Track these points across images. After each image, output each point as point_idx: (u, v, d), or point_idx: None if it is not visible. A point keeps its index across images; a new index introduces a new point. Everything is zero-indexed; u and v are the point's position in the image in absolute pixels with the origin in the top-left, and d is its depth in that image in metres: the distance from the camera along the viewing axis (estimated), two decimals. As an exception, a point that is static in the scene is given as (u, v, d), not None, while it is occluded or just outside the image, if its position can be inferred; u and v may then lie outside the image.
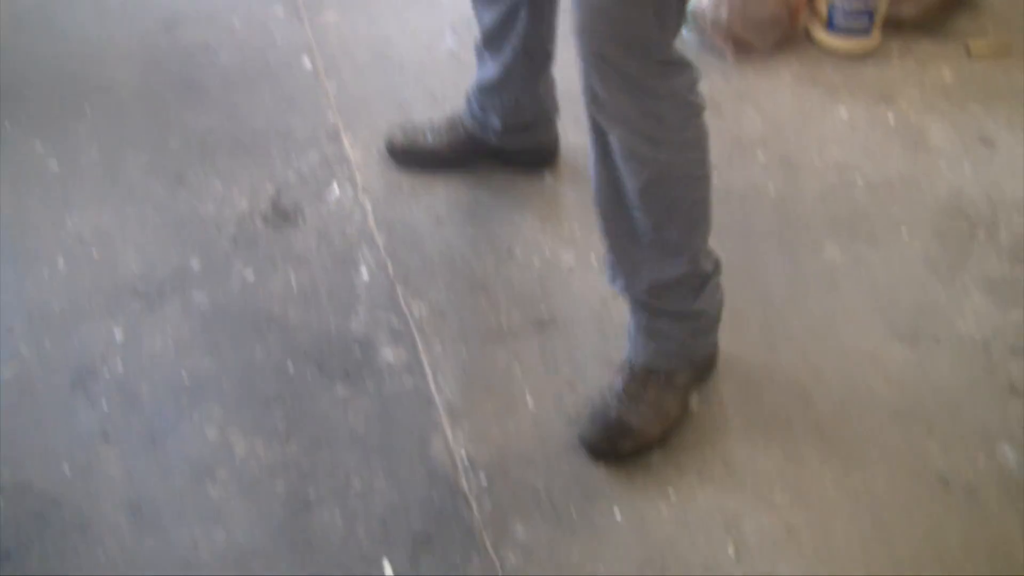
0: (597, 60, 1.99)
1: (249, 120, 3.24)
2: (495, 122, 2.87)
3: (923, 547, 2.15)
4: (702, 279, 2.30)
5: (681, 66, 2.07)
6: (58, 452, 2.32)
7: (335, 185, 2.98)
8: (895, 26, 3.49)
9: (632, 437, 2.30)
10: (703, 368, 2.43)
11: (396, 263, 2.75)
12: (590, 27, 1.96)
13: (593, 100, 2.06)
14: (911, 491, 2.25)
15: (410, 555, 2.13)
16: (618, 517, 2.21)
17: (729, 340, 2.42)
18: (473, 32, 2.76)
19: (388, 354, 2.52)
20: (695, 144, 2.17)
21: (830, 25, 3.44)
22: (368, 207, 2.91)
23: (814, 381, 2.47)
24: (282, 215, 2.88)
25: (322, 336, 2.57)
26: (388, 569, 2.11)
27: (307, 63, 3.45)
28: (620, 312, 2.50)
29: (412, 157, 3.03)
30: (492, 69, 2.77)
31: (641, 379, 2.34)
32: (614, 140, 2.09)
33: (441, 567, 2.12)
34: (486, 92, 2.83)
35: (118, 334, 2.56)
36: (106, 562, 2.13)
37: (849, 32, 3.43)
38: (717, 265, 2.34)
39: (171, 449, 2.33)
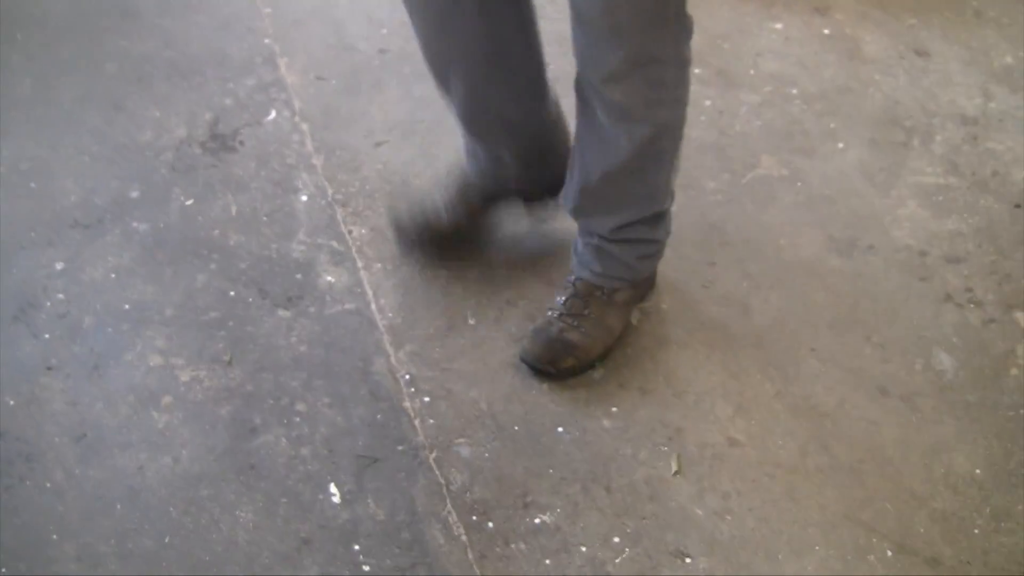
0: (613, 35, 1.96)
1: (185, 46, 3.21)
2: (509, 165, 2.47)
3: (863, 455, 2.19)
4: (661, 214, 2.34)
5: (688, 27, 2.06)
6: (1, 384, 2.32)
7: (272, 110, 2.97)
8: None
9: (574, 354, 2.32)
10: (645, 286, 2.46)
11: (335, 186, 2.74)
12: (612, 3, 1.92)
13: (593, 71, 2.05)
14: (850, 400, 2.29)
15: (356, 476, 2.15)
16: (561, 433, 2.23)
17: (668, 254, 2.43)
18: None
19: (329, 277, 2.53)
20: (685, 99, 2.18)
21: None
22: (306, 131, 2.90)
23: (753, 294, 2.50)
24: (220, 141, 2.87)
25: (263, 261, 2.56)
26: (334, 491, 2.13)
27: (242, -13, 3.43)
28: (561, 229, 2.52)
29: (434, 243, 2.57)
30: None
31: (583, 297, 2.36)
32: (607, 106, 2.09)
33: (387, 487, 2.13)
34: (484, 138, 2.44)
35: (59, 264, 2.55)
36: (52, 490, 2.13)
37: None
38: (672, 197, 2.36)
39: (115, 377, 2.33)
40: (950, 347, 2.39)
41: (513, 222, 2.62)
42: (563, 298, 2.38)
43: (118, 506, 2.10)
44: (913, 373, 2.34)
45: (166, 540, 2.05)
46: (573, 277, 2.40)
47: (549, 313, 2.37)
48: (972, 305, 2.47)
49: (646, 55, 1.99)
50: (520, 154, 2.44)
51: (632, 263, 2.36)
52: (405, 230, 2.56)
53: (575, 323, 2.33)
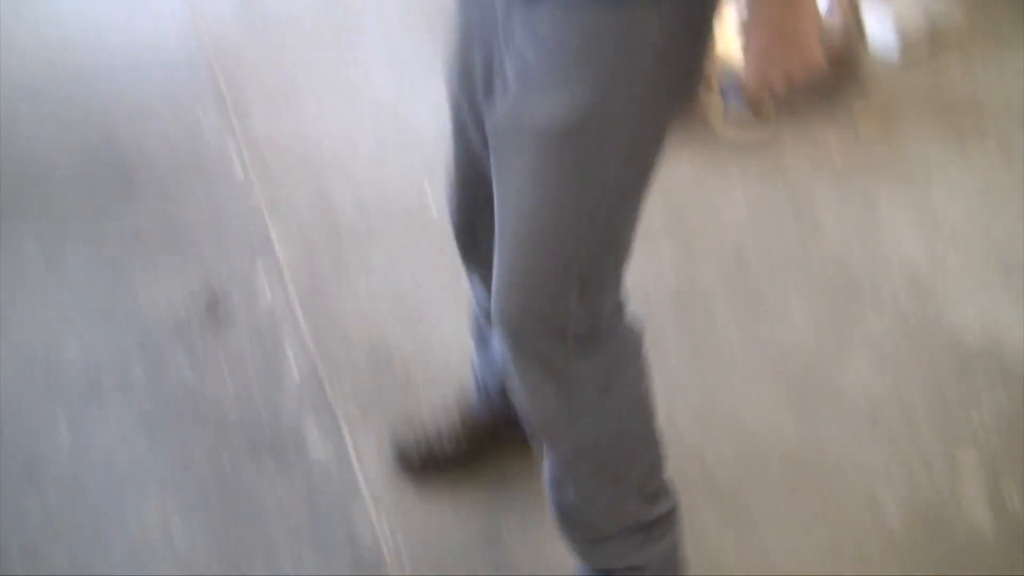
0: (510, 337, 1.70)
1: (182, 221, 3.37)
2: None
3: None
4: (644, 528, 1.96)
5: (604, 338, 1.74)
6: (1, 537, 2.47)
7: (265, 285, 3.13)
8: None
9: None
10: None
11: (324, 360, 2.88)
12: (503, 296, 1.68)
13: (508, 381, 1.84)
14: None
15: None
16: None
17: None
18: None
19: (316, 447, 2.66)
20: (622, 412, 1.84)
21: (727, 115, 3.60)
22: (297, 310, 3.05)
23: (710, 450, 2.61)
24: (215, 315, 3.01)
25: (255, 426, 2.70)
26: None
27: (237, 168, 3.58)
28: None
29: (433, 468, 2.48)
30: None
31: None
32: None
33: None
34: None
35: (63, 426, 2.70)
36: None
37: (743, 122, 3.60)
38: (669, 513, 2.00)
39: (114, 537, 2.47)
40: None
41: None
42: None
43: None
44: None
45: None
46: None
47: None
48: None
49: (546, 365, 1.74)
50: None
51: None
52: (412, 462, 2.47)
53: None
